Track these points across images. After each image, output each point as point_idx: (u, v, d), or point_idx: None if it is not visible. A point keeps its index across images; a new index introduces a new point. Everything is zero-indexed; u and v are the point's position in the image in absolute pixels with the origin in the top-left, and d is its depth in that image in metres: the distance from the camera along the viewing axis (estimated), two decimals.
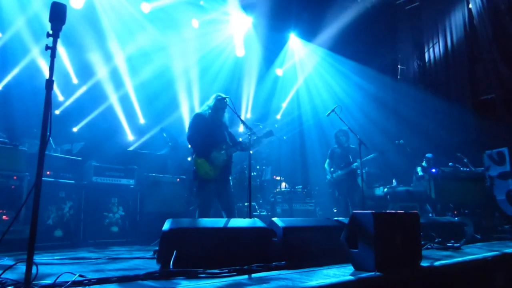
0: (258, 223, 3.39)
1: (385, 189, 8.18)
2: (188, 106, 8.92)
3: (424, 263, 3.13)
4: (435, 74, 10.97)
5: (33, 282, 2.07)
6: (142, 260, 3.69)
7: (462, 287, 3.27)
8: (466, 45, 10.13)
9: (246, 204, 5.79)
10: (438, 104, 10.32)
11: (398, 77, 11.79)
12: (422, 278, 2.96)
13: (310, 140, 10.84)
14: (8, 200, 4.47)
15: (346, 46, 10.39)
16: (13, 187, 4.58)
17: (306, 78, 11.30)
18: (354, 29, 10.05)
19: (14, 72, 6.78)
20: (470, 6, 9.99)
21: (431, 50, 11.11)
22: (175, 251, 2.77)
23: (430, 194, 7.16)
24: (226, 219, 3.59)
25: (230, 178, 4.64)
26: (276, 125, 9.41)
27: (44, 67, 6.95)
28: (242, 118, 4.68)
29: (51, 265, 3.29)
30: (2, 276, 2.24)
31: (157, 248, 3.16)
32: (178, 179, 6.40)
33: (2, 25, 6.73)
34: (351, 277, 2.56)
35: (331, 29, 10.12)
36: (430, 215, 7.24)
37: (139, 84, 8.41)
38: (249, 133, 4.22)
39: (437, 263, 3.22)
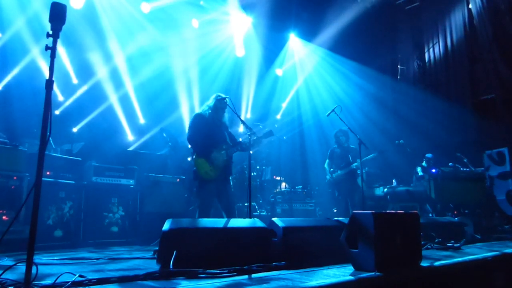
0: (258, 223, 3.39)
1: (385, 189, 8.18)
2: (188, 106, 8.92)
3: (424, 263, 3.13)
4: (435, 74, 10.98)
5: (33, 282, 2.07)
6: (142, 260, 3.69)
7: (462, 287, 3.27)
8: (466, 45, 10.13)
9: (246, 204, 5.79)
10: (438, 104, 10.33)
11: (398, 77, 11.79)
12: (422, 278, 2.96)
13: (310, 140, 10.84)
14: (8, 200, 4.46)
15: (346, 46, 10.39)
16: (13, 187, 4.58)
17: (306, 78, 11.30)
18: (354, 29, 10.05)
19: (14, 72, 6.78)
20: (470, 6, 10.00)
21: (431, 50, 11.11)
22: (175, 251, 2.77)
23: (430, 194, 7.16)
24: (226, 219, 3.59)
25: (230, 178, 4.64)
26: (276, 125, 9.41)
27: (44, 67, 6.94)
28: (242, 118, 4.68)
29: (51, 265, 3.29)
30: (2, 276, 2.24)
31: (157, 248, 3.16)
32: (178, 179, 6.40)
33: (2, 25, 6.72)
34: (351, 277, 2.56)
35: (331, 29, 10.12)
36: (430, 215, 7.24)
37: (139, 84, 8.40)
38: (249, 133, 4.22)
39: (437, 263, 3.22)
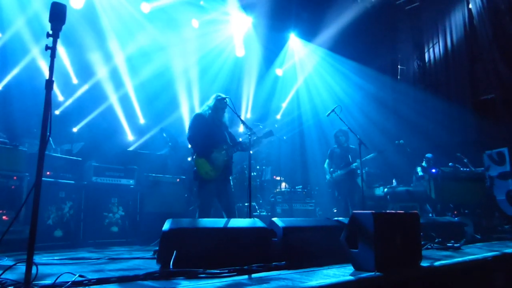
0: (258, 223, 3.39)
1: (385, 189, 8.18)
2: (188, 106, 8.92)
3: (424, 263, 3.13)
4: (435, 74, 10.98)
5: (33, 282, 2.07)
6: (142, 260, 3.69)
7: (462, 287, 3.27)
8: (466, 45, 10.13)
9: (246, 204, 5.79)
10: (438, 104, 10.33)
11: (398, 77, 11.79)
12: (422, 278, 2.96)
13: (310, 140, 10.85)
14: (8, 200, 4.46)
15: (346, 46, 10.40)
16: (13, 187, 4.57)
17: (306, 78, 11.30)
18: (354, 29, 10.05)
19: (14, 72, 6.78)
20: (470, 6, 10.00)
21: (431, 50, 11.11)
22: (175, 251, 2.77)
23: (430, 194, 7.16)
24: (226, 219, 3.59)
25: (230, 178, 4.64)
26: (276, 125, 9.42)
27: (44, 67, 6.94)
28: (242, 118, 4.68)
29: (51, 265, 3.29)
30: (2, 276, 2.24)
31: (157, 248, 3.16)
32: (178, 179, 6.40)
33: (2, 25, 6.72)
34: (351, 277, 2.56)
35: (331, 29, 10.12)
36: (430, 215, 7.25)
37: (139, 84, 8.40)
38: (249, 133, 4.23)
39: (437, 263, 3.22)
